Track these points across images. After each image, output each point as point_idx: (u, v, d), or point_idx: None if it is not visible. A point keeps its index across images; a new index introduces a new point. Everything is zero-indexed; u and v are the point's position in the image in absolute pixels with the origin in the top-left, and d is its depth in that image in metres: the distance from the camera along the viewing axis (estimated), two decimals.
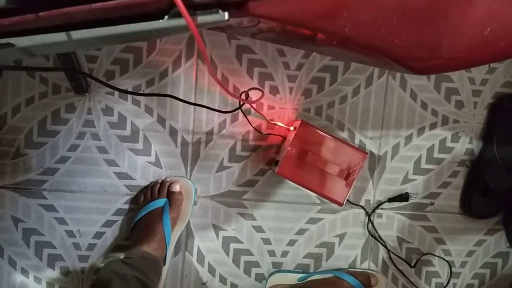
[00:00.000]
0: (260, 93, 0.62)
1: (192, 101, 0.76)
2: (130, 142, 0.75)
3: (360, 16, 0.27)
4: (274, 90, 0.77)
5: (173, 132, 0.76)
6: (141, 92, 0.74)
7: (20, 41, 0.34)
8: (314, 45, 0.32)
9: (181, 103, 0.74)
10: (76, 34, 0.32)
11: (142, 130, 0.75)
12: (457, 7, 0.26)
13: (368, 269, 0.83)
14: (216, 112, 0.76)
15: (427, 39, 0.27)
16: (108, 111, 0.74)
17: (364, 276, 0.79)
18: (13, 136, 0.73)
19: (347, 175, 0.70)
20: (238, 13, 0.28)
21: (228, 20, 0.28)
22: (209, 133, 0.77)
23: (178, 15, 0.26)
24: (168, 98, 0.75)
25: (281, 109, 0.78)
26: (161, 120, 0.76)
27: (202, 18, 0.29)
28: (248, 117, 0.75)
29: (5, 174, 0.74)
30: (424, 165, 0.82)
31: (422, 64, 0.29)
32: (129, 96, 0.74)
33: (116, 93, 0.74)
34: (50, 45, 0.32)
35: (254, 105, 0.74)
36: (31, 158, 0.74)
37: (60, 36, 0.32)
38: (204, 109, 0.76)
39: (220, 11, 0.29)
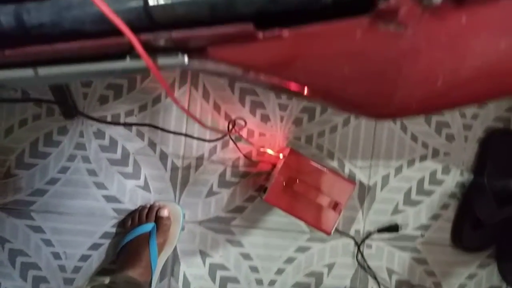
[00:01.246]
0: (252, 121, 0.63)
1: (184, 127, 0.76)
2: (120, 166, 0.76)
3: (313, 66, 0.28)
4: (265, 118, 0.78)
5: (163, 157, 0.77)
6: (124, 122, 0.75)
7: None
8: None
9: (172, 127, 0.75)
10: (43, 71, 0.32)
11: (133, 153, 0.76)
12: (407, 59, 0.26)
13: None
14: (205, 141, 0.76)
15: (380, 89, 0.28)
16: (99, 134, 0.75)
17: None
18: (4, 156, 0.74)
19: (335, 205, 0.70)
20: (197, 56, 0.29)
21: (188, 63, 0.30)
22: (199, 158, 0.77)
23: (139, 56, 0.27)
24: (160, 124, 0.76)
25: (271, 137, 0.79)
26: (152, 145, 0.76)
27: (162, 60, 0.30)
28: (239, 143, 0.76)
29: None
30: (414, 197, 0.81)
31: (378, 111, 0.30)
32: (121, 120, 0.75)
33: (109, 116, 0.75)
34: (19, 80, 0.33)
35: (242, 132, 0.75)
36: (21, 178, 0.74)
37: (27, 72, 0.33)
38: (195, 134, 0.76)
39: (180, 55, 0.30)
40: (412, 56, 0.26)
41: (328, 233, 0.71)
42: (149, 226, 0.72)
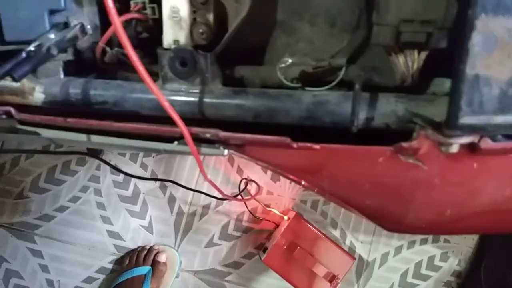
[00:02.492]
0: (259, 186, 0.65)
1: (196, 175, 0.79)
2: (129, 203, 0.78)
3: (337, 177, 0.31)
4: (275, 177, 0.80)
5: (171, 200, 0.79)
6: (145, 176, 0.78)
7: (46, 133, 0.38)
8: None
9: (185, 174, 0.78)
10: (96, 139, 0.36)
11: (143, 193, 0.78)
12: (421, 188, 0.29)
13: None
14: (216, 188, 0.78)
15: (394, 208, 0.31)
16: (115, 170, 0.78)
17: None
18: (21, 178, 0.76)
19: (332, 277, 0.71)
20: (236, 151, 0.33)
21: (226, 155, 0.33)
22: (206, 207, 0.79)
23: (186, 143, 0.30)
24: (174, 168, 0.78)
25: (278, 196, 0.80)
26: (163, 187, 0.78)
27: (205, 150, 0.33)
28: (246, 198, 0.78)
29: (3, 213, 0.76)
30: (410, 279, 0.81)
31: (390, 226, 0.33)
32: (139, 159, 0.78)
33: (128, 154, 0.78)
34: (72, 141, 0.36)
35: (250, 189, 0.77)
36: (32, 201, 0.76)
37: (81, 137, 0.36)
38: (206, 183, 0.79)
39: (221, 148, 0.33)
40: (425, 187, 0.29)
41: None
42: (145, 269, 0.73)
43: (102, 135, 0.34)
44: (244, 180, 0.68)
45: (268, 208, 0.79)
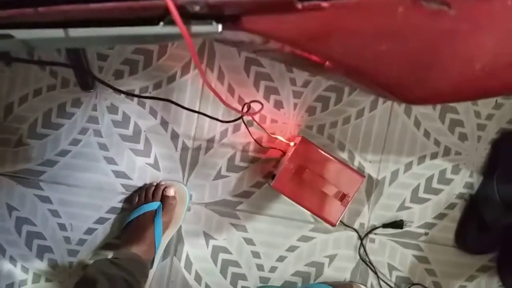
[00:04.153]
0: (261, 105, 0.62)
1: (197, 108, 0.76)
2: (131, 142, 0.76)
3: (349, 40, 0.27)
4: (278, 105, 0.78)
5: (174, 136, 0.77)
6: (146, 95, 0.75)
7: (19, 33, 0.34)
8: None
9: (184, 112, 0.75)
10: (74, 32, 0.32)
11: (144, 131, 0.76)
12: (447, 40, 0.26)
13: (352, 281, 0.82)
14: (221, 122, 0.76)
15: (414, 69, 0.27)
16: (113, 109, 0.75)
17: (346, 287, 0.79)
18: (17, 124, 0.74)
19: (342, 196, 0.70)
20: (231, 27, 0.29)
21: (221, 32, 0.29)
22: (210, 141, 0.77)
23: (173, 22, 0.27)
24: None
25: (283, 124, 0.78)
26: (164, 123, 0.76)
27: (196, 28, 0.30)
28: (250, 128, 0.76)
29: (5, 162, 0.75)
30: (422, 194, 0.81)
31: (409, 93, 0.29)
32: (135, 99, 0.75)
33: (122, 96, 0.75)
34: (49, 40, 0.33)
35: (255, 117, 0.75)
36: (33, 148, 0.75)
37: (58, 33, 0.33)
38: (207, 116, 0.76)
39: (214, 23, 0.29)
40: (452, 37, 0.25)
41: (333, 225, 0.71)
42: (155, 205, 0.73)
43: (79, 27, 0.31)
44: (248, 103, 0.66)
45: (273, 136, 0.77)
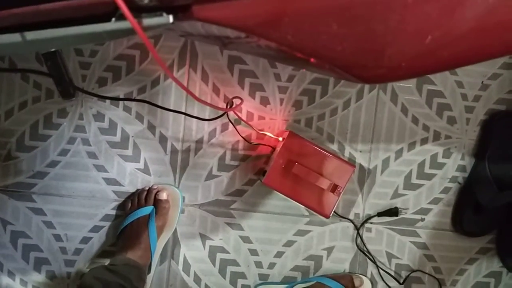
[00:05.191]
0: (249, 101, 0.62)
1: (183, 110, 0.76)
2: (120, 148, 0.76)
3: (300, 23, 0.27)
4: (264, 101, 0.78)
5: (163, 140, 0.77)
6: (122, 98, 0.75)
7: None
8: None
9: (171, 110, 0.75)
10: (31, 35, 0.32)
11: (132, 136, 0.76)
12: (394, 13, 0.26)
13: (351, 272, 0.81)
14: (206, 121, 0.76)
15: (369, 46, 0.27)
16: (99, 117, 0.75)
17: (347, 279, 0.78)
18: (5, 139, 0.74)
19: (334, 188, 0.70)
20: (183, 17, 0.29)
21: (173, 23, 0.29)
22: (199, 142, 0.77)
23: (124, 17, 0.27)
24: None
25: (271, 120, 0.78)
26: (152, 127, 0.76)
27: (147, 21, 0.30)
28: (238, 126, 0.76)
29: None
30: (414, 180, 0.81)
31: (367, 72, 0.29)
32: (121, 102, 0.75)
33: (107, 101, 0.75)
34: (7, 45, 0.33)
35: (241, 113, 0.75)
36: (22, 161, 0.75)
37: (15, 37, 0.32)
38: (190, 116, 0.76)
39: (165, 14, 0.29)
40: (399, 9, 0.25)
41: (327, 216, 0.71)
42: (148, 209, 0.73)
43: (33, 30, 0.31)
44: (230, 99, 0.66)
45: (262, 132, 0.77)
